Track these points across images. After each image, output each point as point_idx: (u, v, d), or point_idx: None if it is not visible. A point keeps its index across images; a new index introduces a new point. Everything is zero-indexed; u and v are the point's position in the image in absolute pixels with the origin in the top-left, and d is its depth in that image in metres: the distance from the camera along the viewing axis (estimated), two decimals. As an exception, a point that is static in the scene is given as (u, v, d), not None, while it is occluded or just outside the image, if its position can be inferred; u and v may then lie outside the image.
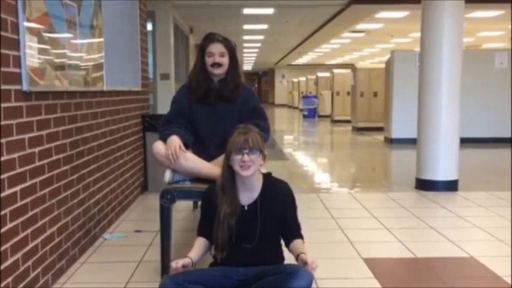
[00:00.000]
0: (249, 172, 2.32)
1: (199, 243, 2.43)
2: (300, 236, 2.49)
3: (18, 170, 2.37)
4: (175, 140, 2.80)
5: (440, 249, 3.43)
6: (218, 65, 2.90)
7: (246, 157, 2.29)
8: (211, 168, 2.80)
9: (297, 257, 2.33)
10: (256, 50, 21.09)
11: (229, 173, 2.38)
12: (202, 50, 2.95)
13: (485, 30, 14.50)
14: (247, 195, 2.41)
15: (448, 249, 3.41)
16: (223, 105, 2.95)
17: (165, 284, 2.26)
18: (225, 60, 2.92)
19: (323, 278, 2.81)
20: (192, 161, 2.84)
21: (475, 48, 15.25)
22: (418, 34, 5.63)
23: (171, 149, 2.76)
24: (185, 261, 2.24)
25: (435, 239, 3.66)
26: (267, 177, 2.48)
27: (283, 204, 2.45)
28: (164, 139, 2.86)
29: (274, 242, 2.49)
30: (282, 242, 2.52)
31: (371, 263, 3.10)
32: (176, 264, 2.21)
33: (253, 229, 2.36)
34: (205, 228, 2.45)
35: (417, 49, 5.81)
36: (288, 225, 2.46)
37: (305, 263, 2.23)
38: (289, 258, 2.53)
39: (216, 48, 2.90)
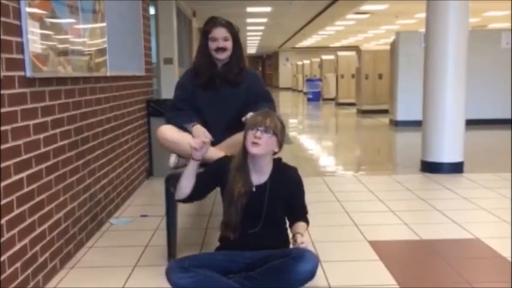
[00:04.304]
0: (256, 150, 2.32)
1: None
2: (305, 220, 2.52)
3: (24, 157, 2.38)
4: (202, 129, 2.81)
5: (446, 231, 3.43)
6: (222, 49, 2.88)
7: (258, 133, 2.31)
8: (217, 153, 2.80)
9: (292, 236, 2.38)
10: (260, 33, 20.95)
11: (244, 152, 2.39)
12: (205, 34, 2.92)
13: (492, 10, 14.32)
14: (256, 177, 2.42)
15: (454, 231, 3.42)
16: (228, 90, 2.94)
17: (172, 268, 2.29)
18: (229, 45, 2.90)
19: (328, 260, 2.82)
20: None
21: (481, 28, 15.05)
22: (423, 15, 5.57)
23: (200, 137, 2.77)
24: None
25: (440, 221, 3.66)
26: (278, 162, 2.49)
27: (291, 189, 2.48)
28: (176, 125, 2.85)
29: (279, 226, 2.50)
30: (288, 226, 2.54)
31: (376, 245, 3.11)
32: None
33: (259, 211, 2.38)
34: (199, 180, 2.46)
35: (422, 30, 5.75)
36: (294, 207, 2.49)
37: (295, 243, 2.29)
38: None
39: (220, 32, 2.88)
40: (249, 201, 2.37)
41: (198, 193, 2.49)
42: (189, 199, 2.48)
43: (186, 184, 2.42)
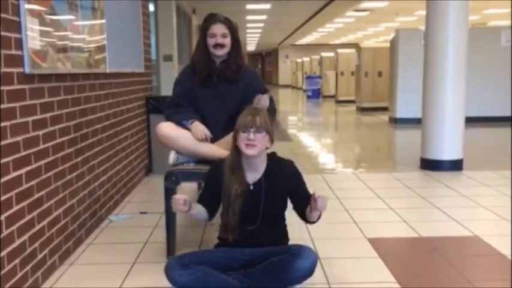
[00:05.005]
0: (253, 151, 2.32)
1: (200, 205, 2.46)
2: None
3: (23, 153, 2.37)
4: (200, 125, 2.83)
5: (445, 228, 3.43)
6: (221, 46, 2.88)
7: (251, 135, 2.30)
8: (217, 149, 2.80)
9: (310, 204, 2.33)
10: (260, 30, 20.92)
11: (237, 152, 2.38)
12: (204, 31, 2.92)
13: (492, 8, 14.31)
14: (252, 175, 2.42)
15: (453, 228, 3.42)
16: (226, 87, 2.93)
17: (171, 265, 2.29)
18: (227, 41, 2.90)
19: (327, 258, 2.83)
20: (198, 144, 2.84)
21: (481, 26, 15.04)
22: (423, 12, 5.56)
23: (200, 134, 2.80)
24: (186, 198, 2.26)
25: (440, 218, 3.66)
26: (272, 157, 2.48)
27: (289, 182, 2.46)
28: (175, 122, 2.86)
29: (278, 223, 2.50)
30: (287, 222, 2.54)
31: (376, 242, 3.12)
32: (180, 196, 2.25)
33: (257, 208, 2.37)
34: (205, 199, 2.48)
35: (422, 27, 5.74)
36: (300, 198, 2.46)
37: (315, 199, 2.26)
38: (293, 240, 2.55)
39: (218, 29, 2.88)
40: (246, 200, 2.36)
41: (215, 207, 2.50)
42: (214, 216, 2.52)
43: (199, 216, 2.49)
